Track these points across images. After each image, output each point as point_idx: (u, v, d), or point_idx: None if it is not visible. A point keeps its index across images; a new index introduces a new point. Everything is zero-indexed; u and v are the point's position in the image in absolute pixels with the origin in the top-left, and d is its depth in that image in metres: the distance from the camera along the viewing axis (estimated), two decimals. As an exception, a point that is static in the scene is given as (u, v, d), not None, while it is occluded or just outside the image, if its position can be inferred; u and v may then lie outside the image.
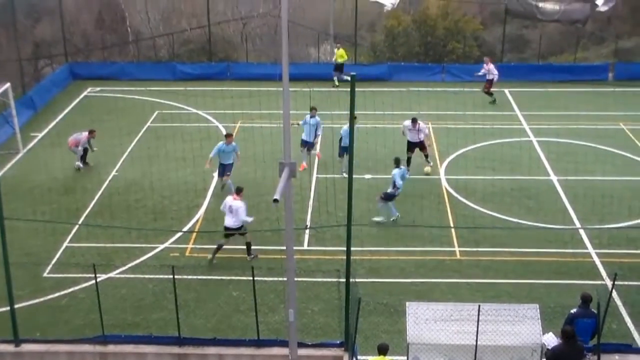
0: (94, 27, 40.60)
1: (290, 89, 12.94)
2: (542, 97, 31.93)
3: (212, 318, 17.15)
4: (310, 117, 24.57)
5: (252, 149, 24.62)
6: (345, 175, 22.09)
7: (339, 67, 33.76)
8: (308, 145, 24.68)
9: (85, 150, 24.72)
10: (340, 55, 33.92)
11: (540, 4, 35.78)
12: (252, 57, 38.24)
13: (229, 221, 19.16)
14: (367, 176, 23.93)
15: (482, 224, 20.89)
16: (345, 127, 22.76)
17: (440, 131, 27.53)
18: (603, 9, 34.12)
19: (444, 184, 23.74)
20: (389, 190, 21.24)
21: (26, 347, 15.30)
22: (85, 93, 33.08)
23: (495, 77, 31.33)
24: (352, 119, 13.55)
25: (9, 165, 25.33)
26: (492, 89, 31.44)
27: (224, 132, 24.46)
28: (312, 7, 41.08)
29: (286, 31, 12.56)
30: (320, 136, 25.04)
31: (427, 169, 24.43)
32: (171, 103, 31.23)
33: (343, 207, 18.01)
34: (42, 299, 17.73)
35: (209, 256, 19.26)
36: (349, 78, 29.42)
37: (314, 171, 24.34)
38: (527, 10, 35.80)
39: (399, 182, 21.02)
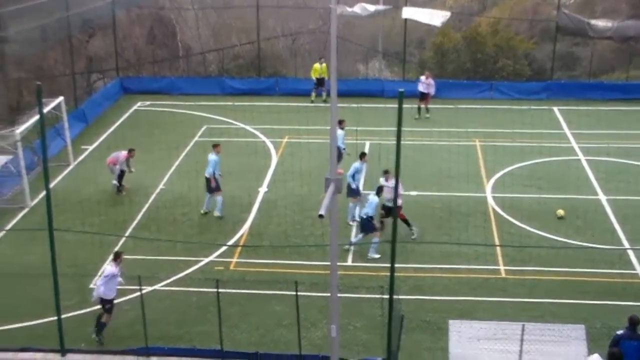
0: (145, 42, 41.33)
1: (339, 105, 13.00)
2: (592, 115, 31.43)
3: (254, 332, 17.22)
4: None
5: (298, 164, 24.71)
6: (351, 223, 22.01)
7: (320, 82, 33.37)
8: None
9: (122, 172, 24.44)
10: (316, 70, 33.56)
11: (592, 21, 35.34)
12: (300, 72, 38.47)
13: (100, 290, 16.76)
14: (414, 193, 23.82)
15: (528, 242, 20.65)
16: (357, 164, 22.11)
17: (488, 149, 27.31)
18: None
19: (490, 201, 23.53)
20: (365, 215, 20.29)
21: (72, 357, 15.61)
22: (135, 107, 33.64)
23: (432, 92, 31.26)
24: (399, 135, 13.49)
25: (59, 178, 25.83)
26: (422, 105, 31.20)
27: (270, 147, 24.48)
28: (361, 23, 41.19)
29: (335, 47, 12.64)
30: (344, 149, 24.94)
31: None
32: (219, 118, 31.57)
33: (388, 223, 17.98)
34: (88, 310, 18.01)
35: (94, 336, 16.91)
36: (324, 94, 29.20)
37: (360, 187, 24.32)
38: (578, 27, 35.36)
39: (372, 211, 20.23)
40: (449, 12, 37.47)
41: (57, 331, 15.66)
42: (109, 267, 16.89)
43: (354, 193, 22.05)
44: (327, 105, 29.89)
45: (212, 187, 22.62)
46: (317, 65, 33.61)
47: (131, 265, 19.71)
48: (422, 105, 31.30)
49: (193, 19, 43.54)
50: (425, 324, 17.18)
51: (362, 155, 22.56)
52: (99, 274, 18.78)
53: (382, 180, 21.03)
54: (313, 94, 33.60)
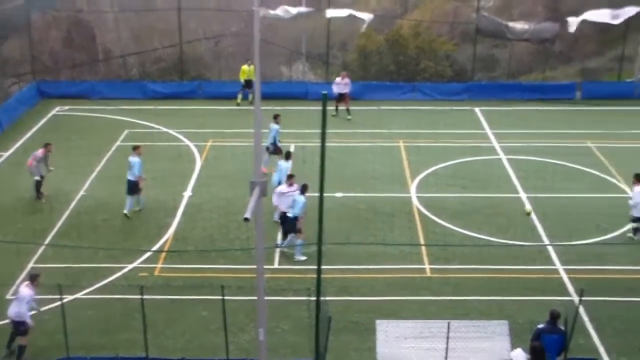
0: (62, 46, 40.28)
1: (262, 108, 12.93)
2: (512, 115, 32.22)
3: (180, 338, 16.96)
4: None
5: (222, 168, 24.53)
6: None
7: (248, 84, 32.94)
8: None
9: (40, 179, 23.63)
10: (244, 72, 33.29)
11: (510, 24, 36.19)
12: (224, 75, 38.20)
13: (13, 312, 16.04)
14: (339, 194, 23.92)
15: (452, 241, 20.93)
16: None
17: (412, 150, 27.64)
18: (573, 29, 34.50)
19: (415, 202, 23.79)
20: (292, 215, 20.19)
21: (-11, 370, 15.05)
22: (53, 112, 32.78)
23: (348, 92, 31.67)
24: (324, 138, 13.49)
25: (-26, 185, 24.99)
26: (340, 106, 31.46)
27: (194, 151, 24.24)
28: (284, 25, 41.14)
29: (258, 50, 12.55)
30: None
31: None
32: (142, 122, 31.05)
33: (314, 225, 17.96)
34: (6, 321, 17.42)
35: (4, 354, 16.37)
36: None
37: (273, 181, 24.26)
38: (497, 29, 36.16)
39: (299, 211, 20.15)
40: (372, 14, 37.79)
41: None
42: (24, 289, 16.05)
43: (279, 151, 23.21)
44: (253, 108, 29.85)
45: (140, 188, 22.38)
46: (245, 67, 33.36)
47: (52, 273, 19.18)
48: (342, 107, 31.47)
49: (113, 22, 42.71)
50: (352, 324, 17.24)
51: (288, 155, 22.54)
52: (13, 291, 18.13)
53: (285, 187, 20.82)
54: (239, 97, 33.33)
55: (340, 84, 31.50)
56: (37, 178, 23.59)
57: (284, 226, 20.62)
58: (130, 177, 22.33)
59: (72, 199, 23.89)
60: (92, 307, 17.99)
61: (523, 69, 40.21)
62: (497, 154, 27.78)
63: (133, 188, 22.44)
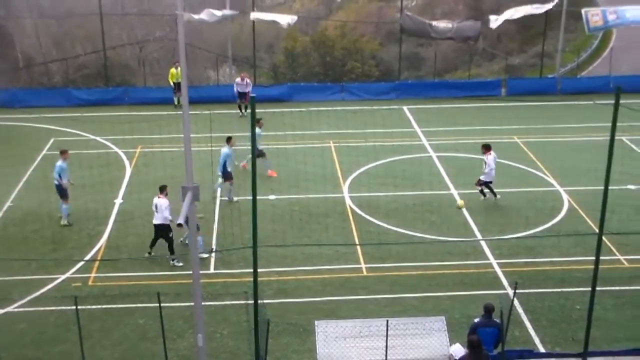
0: (-20, 53, 39.17)
1: (190, 112, 12.86)
2: (440, 113, 32.75)
3: (118, 347, 16.69)
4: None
5: (153, 174, 24.23)
6: (229, 199, 22.72)
7: (178, 87, 33.20)
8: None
9: None
10: (173, 74, 33.45)
11: (434, 23, 36.75)
12: (150, 81, 37.74)
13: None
14: (272, 197, 23.92)
15: (386, 240, 21.15)
16: (225, 149, 23.26)
17: (342, 150, 27.82)
18: (494, 26, 35.31)
19: (348, 201, 23.96)
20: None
21: None
22: (-25, 122, 31.88)
23: (250, 92, 32.20)
24: (254, 140, 13.52)
25: None
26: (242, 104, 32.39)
27: (123, 157, 23.87)
28: (209, 29, 40.89)
29: (184, 54, 12.49)
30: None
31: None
32: (68, 130, 30.43)
33: (248, 229, 17.93)
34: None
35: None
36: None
37: (218, 193, 24.13)
38: (421, 28, 36.67)
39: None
40: (296, 15, 37.90)
41: None
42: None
43: (229, 177, 23.22)
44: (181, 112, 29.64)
45: (61, 192, 22.12)
46: (173, 70, 33.14)
47: (-20, 288, 18.69)
48: (243, 105, 32.13)
49: (32, 28, 41.66)
50: (291, 326, 17.23)
51: (229, 140, 23.28)
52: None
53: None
54: (176, 99, 33.13)
55: (241, 84, 32.19)
56: None
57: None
58: (57, 182, 21.92)
59: (-1, 211, 23.29)
60: (24, 320, 17.53)
61: (449, 67, 40.96)
62: (427, 152, 28.20)
63: (63, 193, 22.03)
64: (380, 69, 38.81)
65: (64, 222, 22.21)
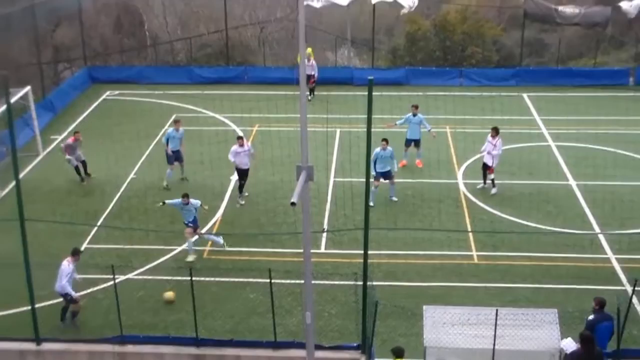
0: (112, 31, 40.84)
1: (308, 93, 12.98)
2: (561, 101, 31.74)
3: (229, 320, 17.19)
4: (413, 115, 24.73)
5: (269, 153, 24.65)
6: (372, 204, 21.69)
7: None
8: (415, 142, 25.04)
9: (84, 162, 24.32)
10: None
11: (560, 8, 35.63)
12: (269, 61, 38.32)
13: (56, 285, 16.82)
14: (385, 180, 23.89)
15: (500, 228, 20.82)
16: (378, 149, 21.82)
17: (458, 135, 27.47)
18: (632, 15, 33.76)
19: (462, 188, 23.69)
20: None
21: (47, 346, 15.49)
22: (104, 96, 33.29)
23: (316, 74, 31.94)
24: (370, 123, 13.51)
25: (29, 168, 25.49)
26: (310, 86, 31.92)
27: (238, 135, 24.38)
28: (329, 11, 41.06)
29: (303, 35, 12.61)
30: (430, 130, 24.93)
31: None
32: (189, 106, 31.36)
33: (360, 210, 18.02)
34: (61, 300, 17.84)
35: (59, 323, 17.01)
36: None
37: (332, 175, 24.33)
38: (546, 13, 35.66)
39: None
40: (417, -1, 37.54)
41: (31, 321, 15.50)
42: (64, 264, 16.64)
43: (375, 176, 22.22)
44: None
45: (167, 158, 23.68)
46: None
47: (104, 254, 19.63)
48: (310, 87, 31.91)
49: (160, 8, 43.07)
50: (399, 309, 17.23)
51: (385, 140, 22.23)
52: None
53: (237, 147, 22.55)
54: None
55: (308, 66, 31.72)
56: (75, 164, 24.18)
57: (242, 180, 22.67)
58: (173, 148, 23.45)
59: (122, 183, 24.29)
60: (143, 287, 18.32)
61: (573, 54, 39.53)
62: (546, 141, 27.47)
63: (168, 159, 23.63)
64: (501, 55, 37.92)
65: (164, 184, 23.50)
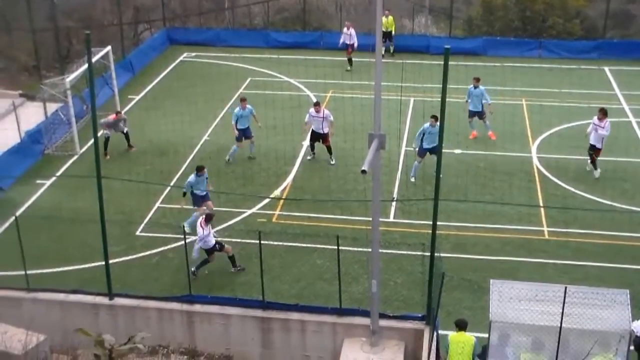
0: (191, -7, 41.28)
1: (383, 61, 12.90)
2: (646, 76, 30.72)
3: (295, 284, 17.40)
4: (474, 87, 24.49)
5: (342, 119, 24.66)
6: (413, 179, 21.95)
7: (387, 35, 32.89)
8: (478, 115, 24.69)
9: (127, 135, 24.34)
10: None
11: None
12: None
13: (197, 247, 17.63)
14: (457, 151, 23.68)
15: (572, 204, 20.41)
16: (427, 125, 21.60)
17: (534, 108, 26.93)
18: None
19: (535, 162, 23.28)
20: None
21: (119, 301, 15.98)
22: (181, 58, 33.74)
23: (355, 43, 31.37)
24: (444, 93, 13.35)
25: (106, 126, 26.10)
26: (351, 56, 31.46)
27: (314, 101, 24.40)
28: (408, -23, 40.57)
29: (381, 2, 12.53)
30: (490, 104, 24.60)
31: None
32: (264, 70, 31.53)
33: (431, 181, 17.90)
34: (134, 256, 18.40)
35: (193, 269, 17.30)
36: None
37: (404, 144, 24.20)
38: (634, -16, 34.43)
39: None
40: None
41: (104, 276, 16.01)
42: (199, 230, 17.16)
43: (419, 152, 21.92)
44: (385, 60, 29.94)
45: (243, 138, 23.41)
46: (383, 18, 33.15)
47: (176, 215, 20.03)
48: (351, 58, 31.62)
49: (239, -30, 43.27)
50: (466, 282, 17.16)
51: (434, 117, 21.71)
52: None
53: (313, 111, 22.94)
54: (384, 48, 33.21)
55: (346, 35, 31.58)
56: (109, 135, 24.03)
57: (314, 142, 23.13)
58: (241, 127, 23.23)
59: (196, 144, 24.68)
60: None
61: (661, 26, 38.20)
62: (627, 117, 26.69)
63: (237, 136, 23.32)
64: (583, 27, 36.85)
65: (227, 158, 23.43)
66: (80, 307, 16.09)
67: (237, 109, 23.31)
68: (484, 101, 24.47)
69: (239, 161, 23.22)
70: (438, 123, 21.64)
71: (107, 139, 23.90)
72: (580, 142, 23.88)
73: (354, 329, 15.38)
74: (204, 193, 19.46)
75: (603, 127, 21.77)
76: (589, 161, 22.34)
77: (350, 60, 31.68)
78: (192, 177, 19.21)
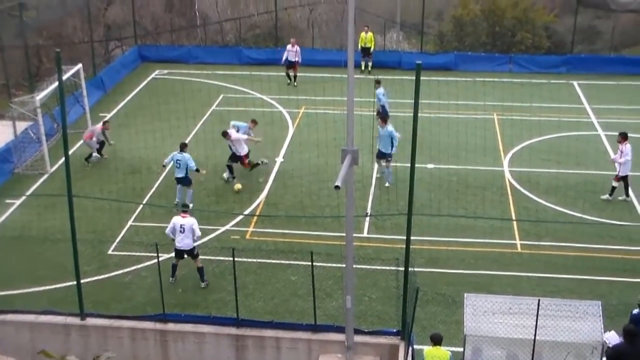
0: (163, 11, 41.21)
1: (355, 76, 12.95)
2: (614, 90, 31.15)
3: (270, 301, 17.33)
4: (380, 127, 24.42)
5: (315, 135, 24.66)
6: (388, 184, 22.34)
7: (365, 51, 33.38)
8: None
9: (101, 143, 24.81)
10: (362, 39, 33.35)
11: (615, -6, 34.91)
12: (318, 43, 38.25)
13: (181, 242, 17.63)
14: (430, 165, 23.79)
15: (544, 217, 20.58)
16: (387, 127, 22.50)
17: (506, 122, 27.14)
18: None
19: (507, 175, 23.45)
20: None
21: (91, 321, 15.76)
22: (153, 75, 33.64)
23: (300, 60, 31.92)
24: (417, 108, 13.42)
25: (78, 144, 25.83)
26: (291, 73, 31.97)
27: (287, 117, 24.40)
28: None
29: (352, 18, 12.58)
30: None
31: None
32: (237, 87, 31.52)
33: (404, 195, 17.96)
34: (106, 275, 18.22)
35: (171, 279, 17.79)
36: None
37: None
38: (600, 0, 34.93)
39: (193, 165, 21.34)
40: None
41: (76, 296, 15.81)
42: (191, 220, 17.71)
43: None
44: (360, 76, 30.17)
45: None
46: (362, 34, 33.36)
47: (149, 232, 19.88)
48: (291, 73, 31.87)
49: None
50: (440, 296, 17.22)
51: (382, 119, 22.92)
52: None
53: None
54: (362, 64, 33.36)
55: (291, 51, 31.74)
56: (96, 147, 24.75)
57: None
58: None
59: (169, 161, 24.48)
60: (186, 266, 18.47)
61: (627, 41, 38.68)
62: (596, 130, 27.01)
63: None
64: (552, 41, 37.27)
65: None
66: (51, 328, 15.84)
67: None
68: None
69: (211, 179, 23.11)
70: (387, 125, 22.17)
71: (101, 145, 24.63)
72: (551, 155, 24.15)
73: (329, 345, 15.30)
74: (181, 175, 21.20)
75: (621, 152, 21.49)
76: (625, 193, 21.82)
77: (295, 77, 31.87)
78: (187, 155, 21.12)
